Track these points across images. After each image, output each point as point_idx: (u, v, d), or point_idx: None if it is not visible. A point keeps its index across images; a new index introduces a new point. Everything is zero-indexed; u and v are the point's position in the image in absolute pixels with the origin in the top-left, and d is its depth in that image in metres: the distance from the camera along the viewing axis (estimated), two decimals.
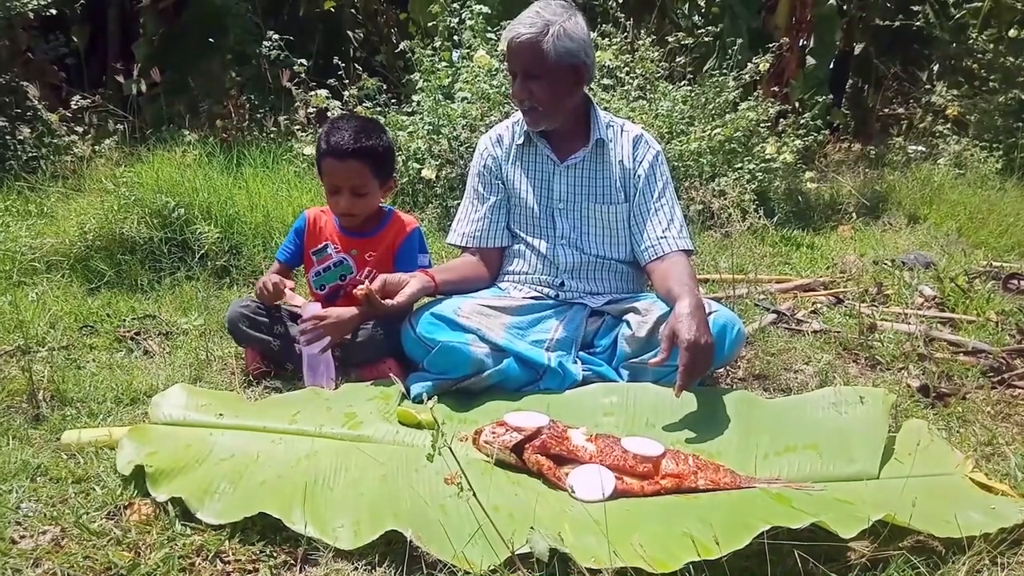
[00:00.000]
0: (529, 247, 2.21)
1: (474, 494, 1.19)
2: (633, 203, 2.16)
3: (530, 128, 2.16)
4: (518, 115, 2.22)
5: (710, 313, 1.89)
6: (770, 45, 4.78)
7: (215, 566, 1.35)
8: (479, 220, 2.24)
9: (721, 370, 2.22)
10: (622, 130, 2.20)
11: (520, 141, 2.20)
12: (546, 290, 2.19)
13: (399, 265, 2.28)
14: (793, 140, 4.43)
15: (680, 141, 4.17)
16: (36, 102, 4.51)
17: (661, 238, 2.11)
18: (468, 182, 2.33)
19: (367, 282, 2.02)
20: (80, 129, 4.59)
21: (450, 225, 2.34)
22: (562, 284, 2.18)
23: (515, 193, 2.22)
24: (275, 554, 1.38)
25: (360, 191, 2.17)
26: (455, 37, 4.32)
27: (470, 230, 2.25)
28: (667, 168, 2.22)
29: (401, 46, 4.47)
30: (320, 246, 2.27)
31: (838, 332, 2.53)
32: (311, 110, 4.34)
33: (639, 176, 2.16)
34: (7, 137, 4.58)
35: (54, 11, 5.36)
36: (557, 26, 2.00)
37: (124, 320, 2.64)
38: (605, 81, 4.27)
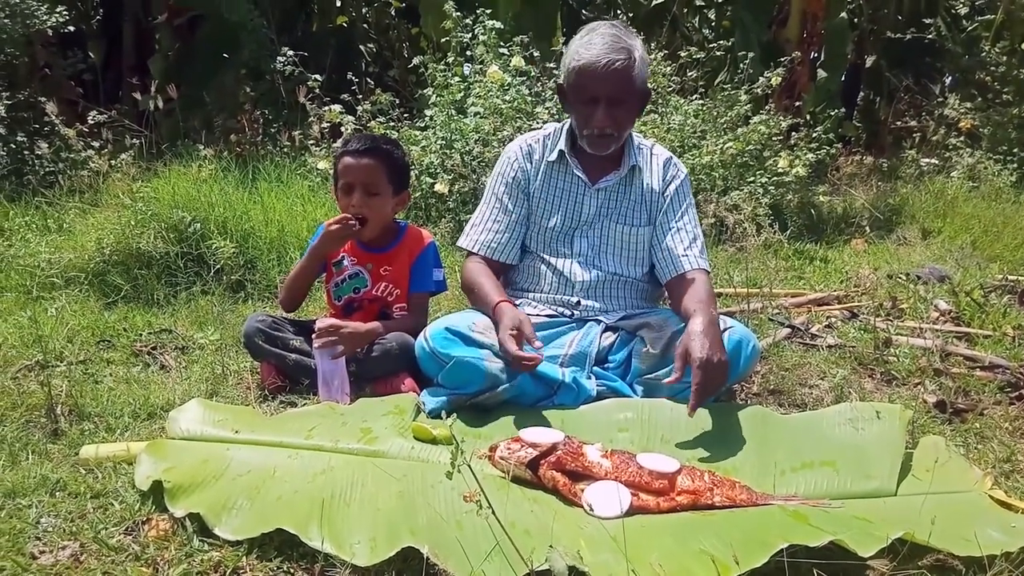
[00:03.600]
0: (545, 264, 2.20)
1: (493, 512, 1.19)
2: (656, 221, 2.17)
3: (596, 152, 2.10)
4: (548, 129, 2.21)
5: (725, 330, 1.89)
6: (781, 59, 4.80)
7: None
8: (499, 232, 2.20)
9: (736, 385, 2.21)
10: (651, 152, 2.20)
11: (553, 158, 2.17)
12: (562, 309, 2.19)
13: (414, 279, 2.29)
14: (805, 153, 4.43)
15: (692, 155, 4.18)
16: (54, 118, 4.56)
17: (682, 256, 2.11)
18: (489, 186, 2.25)
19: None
20: (97, 144, 4.64)
21: None
22: (578, 303, 2.18)
23: (538, 211, 2.19)
24: (292, 570, 1.39)
25: (372, 190, 2.19)
26: (467, 52, 4.35)
27: (486, 239, 2.20)
28: (691, 191, 2.22)
29: (414, 61, 4.51)
30: (338, 258, 2.30)
31: (853, 347, 2.52)
32: (324, 125, 4.37)
33: (666, 196, 2.16)
34: (25, 152, 4.65)
35: (71, 28, 5.43)
36: (639, 52, 1.99)
37: (141, 334, 2.66)
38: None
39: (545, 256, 2.20)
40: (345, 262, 2.29)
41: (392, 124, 4.33)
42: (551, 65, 4.57)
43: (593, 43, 1.98)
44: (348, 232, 2.19)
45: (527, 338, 1.87)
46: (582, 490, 1.57)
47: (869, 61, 8.06)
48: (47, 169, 4.53)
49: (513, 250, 2.21)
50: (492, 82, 4.01)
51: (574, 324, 2.15)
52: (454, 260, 3.45)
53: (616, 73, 1.96)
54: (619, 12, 7.67)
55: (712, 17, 8.13)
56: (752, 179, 4.19)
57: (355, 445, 1.78)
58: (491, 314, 2.01)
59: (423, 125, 4.28)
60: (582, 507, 1.54)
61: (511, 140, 3.81)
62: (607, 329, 2.16)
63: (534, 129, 3.86)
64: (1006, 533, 1.41)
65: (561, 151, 2.16)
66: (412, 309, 2.31)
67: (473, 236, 2.21)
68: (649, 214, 2.18)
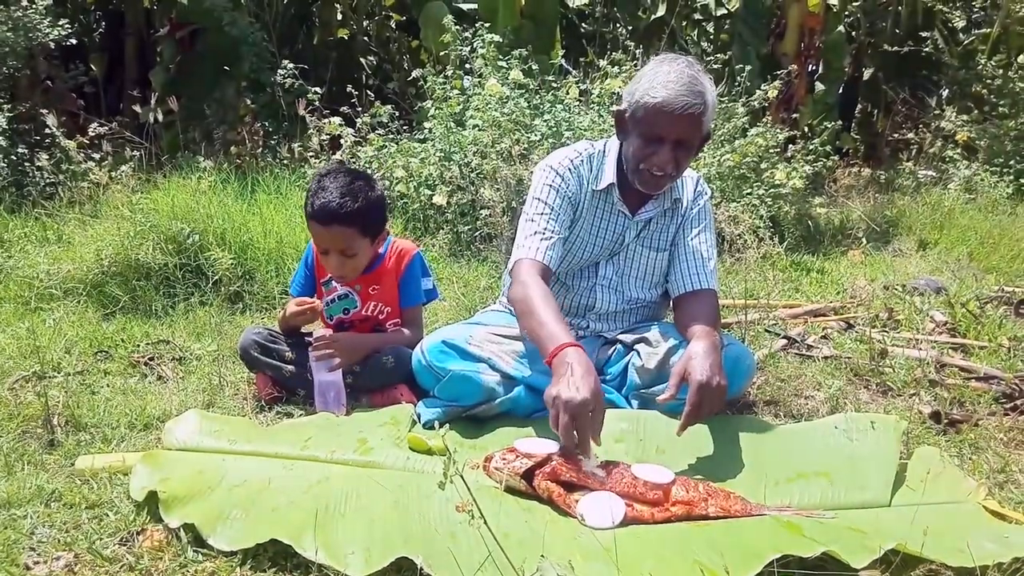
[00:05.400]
0: (565, 287, 2.16)
1: (485, 522, 1.20)
2: (676, 237, 2.15)
3: (646, 190, 2.04)
4: (584, 149, 2.13)
5: (723, 347, 1.88)
6: (779, 71, 4.82)
7: None
8: (556, 243, 2.04)
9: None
10: (684, 175, 2.16)
11: (599, 188, 2.09)
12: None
13: (404, 294, 2.28)
14: (802, 166, 4.44)
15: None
16: (54, 130, 4.58)
17: (695, 274, 2.10)
18: (538, 198, 2.07)
19: None
20: (97, 156, 4.65)
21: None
22: (588, 327, 2.18)
23: (576, 238, 2.11)
24: None
25: (348, 252, 2.13)
26: (467, 65, 4.38)
27: (547, 247, 2.01)
28: (712, 211, 2.21)
29: (414, 74, 4.53)
30: (327, 278, 2.28)
31: (849, 358, 2.52)
32: (324, 137, 4.39)
33: (690, 214, 2.14)
34: (26, 164, 4.67)
35: (74, 41, 5.46)
36: (712, 96, 1.92)
37: (138, 345, 2.66)
38: (615, 108, 4.30)
39: (566, 280, 2.16)
40: (334, 282, 2.28)
41: (391, 136, 4.35)
42: (550, 78, 4.59)
43: (669, 81, 1.88)
44: (312, 318, 2.24)
45: (586, 447, 1.64)
46: (577, 500, 1.57)
47: (867, 74, 8.09)
48: (47, 181, 4.55)
49: (559, 263, 2.09)
50: (491, 95, 4.03)
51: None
52: (452, 272, 3.46)
53: (689, 118, 1.88)
54: (618, 25, 7.71)
55: (711, 30, 8.17)
56: (749, 191, 4.20)
57: (351, 456, 1.79)
58: (548, 349, 1.77)
59: (422, 137, 4.30)
60: (576, 518, 1.54)
61: (509, 153, 3.87)
62: (606, 342, 2.16)
63: (529, 137, 3.94)
64: (999, 544, 1.41)
65: (611, 184, 2.08)
66: (406, 323, 2.30)
67: (534, 245, 2.02)
68: (675, 237, 2.15)
